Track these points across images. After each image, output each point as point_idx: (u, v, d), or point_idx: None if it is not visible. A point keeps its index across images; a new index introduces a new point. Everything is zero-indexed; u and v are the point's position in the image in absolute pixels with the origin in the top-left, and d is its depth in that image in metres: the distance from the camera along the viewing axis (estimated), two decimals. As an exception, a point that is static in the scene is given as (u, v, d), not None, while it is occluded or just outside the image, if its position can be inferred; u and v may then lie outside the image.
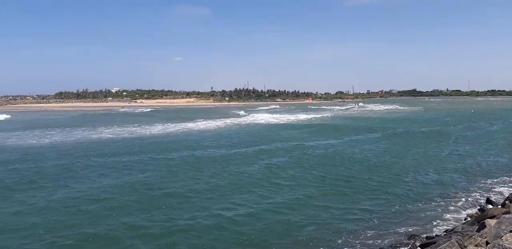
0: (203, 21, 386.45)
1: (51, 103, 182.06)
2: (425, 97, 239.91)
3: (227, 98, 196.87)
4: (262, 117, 54.14)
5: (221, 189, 12.98)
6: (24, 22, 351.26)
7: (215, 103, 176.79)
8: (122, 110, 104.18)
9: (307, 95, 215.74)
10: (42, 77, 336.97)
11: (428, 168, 16.78)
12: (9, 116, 62.89)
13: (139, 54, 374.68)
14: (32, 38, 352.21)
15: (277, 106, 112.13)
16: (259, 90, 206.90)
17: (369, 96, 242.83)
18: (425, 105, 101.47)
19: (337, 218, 10.24)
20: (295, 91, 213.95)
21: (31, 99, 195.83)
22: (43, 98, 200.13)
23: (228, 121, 47.50)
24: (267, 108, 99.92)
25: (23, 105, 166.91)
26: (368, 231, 9.32)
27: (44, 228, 9.52)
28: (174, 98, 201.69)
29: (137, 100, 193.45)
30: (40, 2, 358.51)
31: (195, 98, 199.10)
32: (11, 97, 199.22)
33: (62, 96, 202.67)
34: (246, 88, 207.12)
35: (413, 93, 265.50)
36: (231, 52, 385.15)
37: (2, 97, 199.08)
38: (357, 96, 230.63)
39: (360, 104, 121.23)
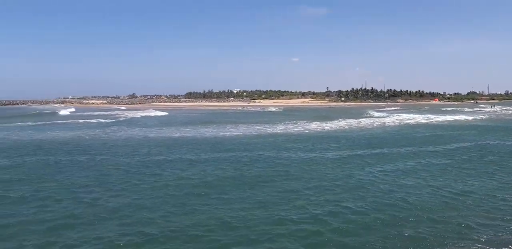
0: (319, 20, 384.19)
1: (181, 102, 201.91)
2: None
3: (343, 99, 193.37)
4: (397, 118, 51.95)
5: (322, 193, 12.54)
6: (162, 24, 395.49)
7: (330, 103, 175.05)
8: (251, 109, 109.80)
9: (432, 95, 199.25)
10: (174, 77, 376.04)
11: None
12: (167, 113, 72.37)
13: (258, 55, 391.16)
14: (162, 41, 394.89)
15: (398, 107, 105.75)
16: (378, 90, 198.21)
17: (508, 98, 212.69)
18: None
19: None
20: (418, 91, 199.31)
21: (165, 98, 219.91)
22: (175, 97, 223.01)
23: (366, 121, 47.38)
24: (391, 109, 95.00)
25: (158, 103, 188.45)
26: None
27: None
28: (290, 98, 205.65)
29: (256, 100, 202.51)
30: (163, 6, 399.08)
31: (310, 99, 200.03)
32: (148, 96, 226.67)
33: (190, 96, 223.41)
34: (364, 88, 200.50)
35: None
36: (348, 51, 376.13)
37: (141, 96, 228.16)
38: (492, 97, 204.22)
39: (498, 106, 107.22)
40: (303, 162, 18.24)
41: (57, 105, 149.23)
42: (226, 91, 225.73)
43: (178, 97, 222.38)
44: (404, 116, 57.20)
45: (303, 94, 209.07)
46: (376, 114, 65.84)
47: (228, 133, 32.64)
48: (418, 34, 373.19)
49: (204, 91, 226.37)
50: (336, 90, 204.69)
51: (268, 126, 39.01)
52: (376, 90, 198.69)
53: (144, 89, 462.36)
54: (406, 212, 10.87)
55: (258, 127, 37.78)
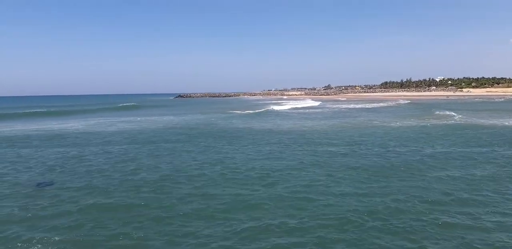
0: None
1: (376, 92, 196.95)
2: None
3: None
4: None
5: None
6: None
7: None
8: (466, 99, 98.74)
9: None
10: (368, 68, 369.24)
11: None
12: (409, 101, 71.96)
13: (464, 38, 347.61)
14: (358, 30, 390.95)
15: None
16: None
17: None
18: None
19: None
20: None
21: (359, 88, 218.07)
22: (369, 87, 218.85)
23: None
24: None
25: (353, 94, 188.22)
26: None
27: None
28: (508, 87, 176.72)
29: (463, 89, 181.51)
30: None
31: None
32: (343, 87, 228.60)
33: (386, 85, 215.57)
34: None
35: None
36: None
37: (336, 87, 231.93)
38: None
39: None
40: None
41: (284, 97, 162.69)
42: (427, 79, 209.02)
43: (373, 87, 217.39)
44: None
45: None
46: None
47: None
48: None
49: (402, 80, 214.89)
50: None
51: None
52: None
53: (338, 79, 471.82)
54: None
55: None
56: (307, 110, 53.12)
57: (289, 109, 56.40)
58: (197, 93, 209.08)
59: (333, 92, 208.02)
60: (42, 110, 55.14)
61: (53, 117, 46.42)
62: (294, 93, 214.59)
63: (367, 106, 62.13)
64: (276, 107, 55.83)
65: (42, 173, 13.49)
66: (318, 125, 30.14)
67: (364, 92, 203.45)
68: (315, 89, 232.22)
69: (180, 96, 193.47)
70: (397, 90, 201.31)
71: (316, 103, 79.70)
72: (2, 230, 8.12)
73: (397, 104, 69.51)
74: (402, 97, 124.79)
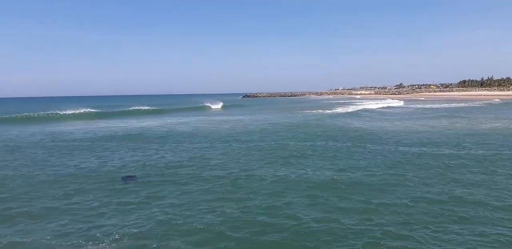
0: None
1: (453, 91, 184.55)
2: None
3: None
4: None
5: None
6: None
7: None
8: None
9: None
10: (445, 65, 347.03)
11: None
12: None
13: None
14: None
15: None
16: None
17: None
18: None
19: None
20: None
21: (434, 87, 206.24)
22: (446, 86, 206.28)
23: None
24: None
25: (428, 93, 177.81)
26: None
27: None
28: None
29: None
30: None
31: None
32: (416, 86, 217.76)
33: (465, 84, 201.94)
34: None
35: None
36: None
37: (409, 86, 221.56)
38: None
39: None
40: None
41: (357, 96, 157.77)
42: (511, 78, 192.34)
43: (450, 86, 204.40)
44: None
45: None
46: None
47: None
48: None
49: (482, 79, 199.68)
50: None
51: None
52: None
53: (410, 78, 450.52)
54: None
55: None
56: (399, 110, 50.43)
57: (380, 108, 53.96)
58: (263, 93, 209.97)
59: (405, 91, 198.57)
60: (136, 108, 56.95)
61: (142, 115, 47.58)
62: (362, 92, 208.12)
63: (470, 105, 57.86)
64: (366, 106, 53.55)
65: (127, 168, 13.82)
66: (434, 124, 27.99)
67: (440, 91, 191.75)
68: (385, 88, 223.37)
69: (247, 95, 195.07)
70: (477, 89, 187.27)
71: (400, 103, 75.74)
72: (86, 221, 8.47)
73: (490, 104, 64.12)
74: (483, 96, 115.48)
